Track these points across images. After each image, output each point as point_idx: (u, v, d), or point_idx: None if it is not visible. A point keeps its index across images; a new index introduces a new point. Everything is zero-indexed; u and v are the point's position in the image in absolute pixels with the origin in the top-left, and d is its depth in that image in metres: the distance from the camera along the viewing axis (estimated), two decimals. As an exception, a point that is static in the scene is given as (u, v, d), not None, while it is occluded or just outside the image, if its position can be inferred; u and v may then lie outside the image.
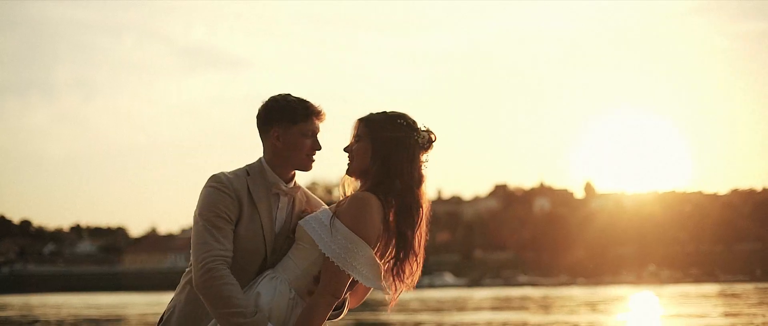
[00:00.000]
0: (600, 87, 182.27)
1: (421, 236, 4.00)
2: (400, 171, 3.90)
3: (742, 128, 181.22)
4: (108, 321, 33.46)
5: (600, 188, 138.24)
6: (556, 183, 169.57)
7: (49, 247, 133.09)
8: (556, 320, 28.72)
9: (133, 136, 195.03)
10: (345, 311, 4.11)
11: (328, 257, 3.79)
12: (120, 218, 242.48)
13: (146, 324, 30.50)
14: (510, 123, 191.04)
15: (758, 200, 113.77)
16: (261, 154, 4.13)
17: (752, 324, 25.28)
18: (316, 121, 4.06)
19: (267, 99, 4.07)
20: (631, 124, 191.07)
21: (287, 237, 4.04)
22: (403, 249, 3.93)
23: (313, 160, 4.08)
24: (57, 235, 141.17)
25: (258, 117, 4.07)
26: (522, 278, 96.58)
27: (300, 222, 3.95)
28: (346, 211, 3.86)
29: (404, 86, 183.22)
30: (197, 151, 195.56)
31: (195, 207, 4.05)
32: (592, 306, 40.47)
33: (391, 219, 3.90)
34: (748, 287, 66.53)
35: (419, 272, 4.04)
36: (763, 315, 29.09)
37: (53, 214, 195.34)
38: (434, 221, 4.20)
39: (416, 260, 3.99)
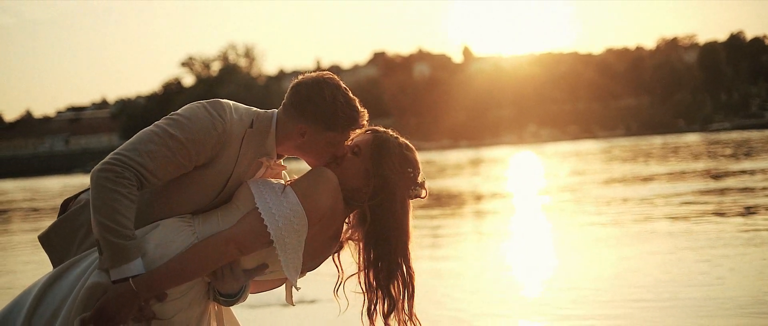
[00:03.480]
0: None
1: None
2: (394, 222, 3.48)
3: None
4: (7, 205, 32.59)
5: (477, 52, 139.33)
6: (434, 48, 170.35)
7: None
8: (442, 185, 28.88)
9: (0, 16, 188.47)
10: (242, 299, 3.49)
11: (257, 209, 3.29)
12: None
13: (23, 209, 29.78)
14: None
15: (631, 57, 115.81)
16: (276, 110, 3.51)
17: (633, 175, 25.80)
18: (353, 133, 3.52)
19: (316, 84, 3.44)
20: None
21: None
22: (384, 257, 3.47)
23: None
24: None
25: (294, 94, 3.46)
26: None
27: (248, 181, 3.44)
28: (299, 181, 3.43)
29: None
30: (73, 30, 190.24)
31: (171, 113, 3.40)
32: (475, 166, 40.94)
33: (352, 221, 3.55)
34: (625, 141, 68.14)
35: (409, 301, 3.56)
36: (645, 164, 29.73)
37: None
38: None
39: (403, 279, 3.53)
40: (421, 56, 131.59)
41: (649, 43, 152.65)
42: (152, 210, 3.41)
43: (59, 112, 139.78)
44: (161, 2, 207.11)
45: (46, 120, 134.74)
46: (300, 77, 3.52)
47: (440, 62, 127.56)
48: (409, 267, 3.52)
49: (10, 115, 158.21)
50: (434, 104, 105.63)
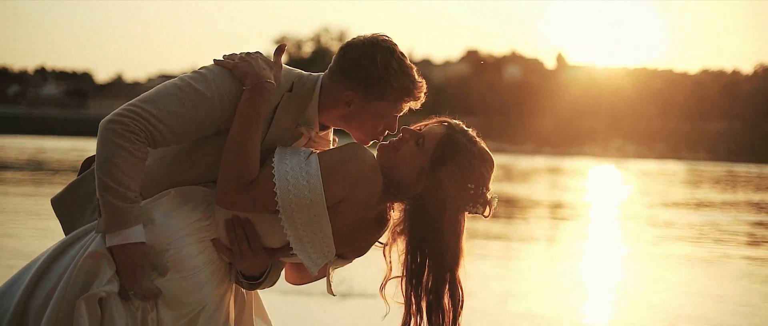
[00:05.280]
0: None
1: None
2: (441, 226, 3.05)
3: (717, 7, 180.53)
4: (70, 165, 33.12)
5: (571, 60, 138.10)
6: (527, 52, 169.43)
7: (14, 89, 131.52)
8: (509, 189, 28.64)
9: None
10: (267, 283, 3.16)
11: (272, 168, 2.89)
12: (86, 62, 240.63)
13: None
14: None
15: (727, 81, 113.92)
16: (322, 72, 3.09)
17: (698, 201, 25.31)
18: (407, 106, 3.12)
19: (367, 46, 3.02)
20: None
21: None
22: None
23: (375, 141, 3.12)
24: (21, 77, 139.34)
25: (342, 57, 3.04)
26: (489, 144, 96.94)
27: (278, 147, 3.02)
28: (329, 153, 3.01)
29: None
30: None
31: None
32: (546, 174, 40.50)
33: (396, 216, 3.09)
34: (710, 166, 66.97)
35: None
36: (716, 191, 29.13)
37: (18, 55, 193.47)
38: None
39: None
40: (514, 58, 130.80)
41: (747, 67, 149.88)
42: (171, 175, 3.03)
43: (150, 78, 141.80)
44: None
45: (136, 84, 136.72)
46: (351, 39, 3.10)
47: (532, 66, 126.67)
48: (456, 289, 3.11)
49: (102, 77, 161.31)
50: (522, 107, 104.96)
